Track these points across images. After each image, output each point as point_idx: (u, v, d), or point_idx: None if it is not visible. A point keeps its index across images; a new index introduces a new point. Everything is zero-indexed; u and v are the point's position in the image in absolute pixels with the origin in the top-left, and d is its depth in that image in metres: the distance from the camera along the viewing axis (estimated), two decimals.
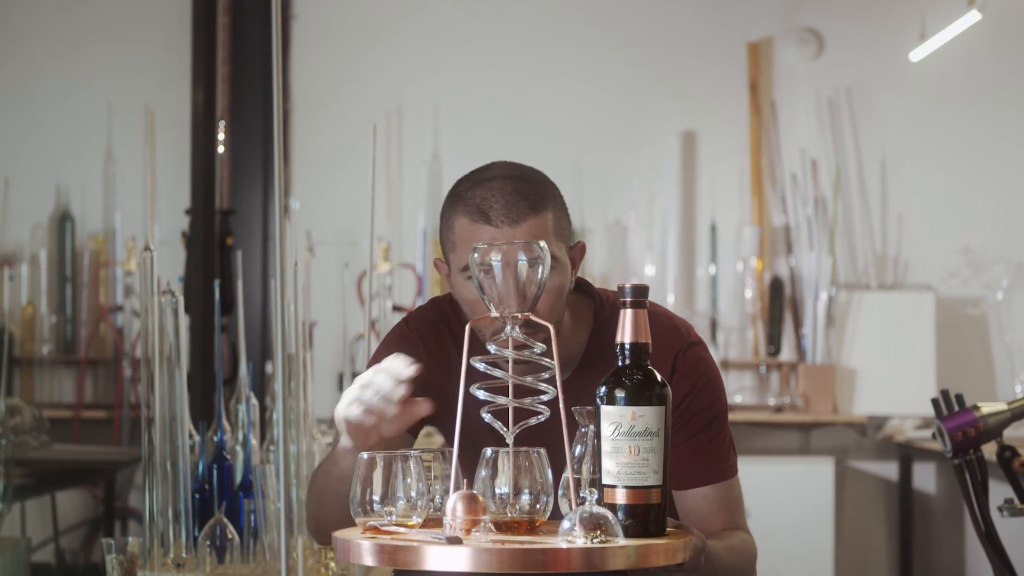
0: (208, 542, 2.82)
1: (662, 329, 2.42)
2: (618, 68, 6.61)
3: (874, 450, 6.53)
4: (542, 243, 2.05)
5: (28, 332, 6.38)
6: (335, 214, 6.46)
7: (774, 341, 6.49)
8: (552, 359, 2.03)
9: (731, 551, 2.37)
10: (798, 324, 6.51)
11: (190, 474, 2.90)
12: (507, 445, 2.01)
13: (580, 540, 1.89)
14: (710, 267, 6.58)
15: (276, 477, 2.86)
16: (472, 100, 6.59)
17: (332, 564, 2.87)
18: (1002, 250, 6.50)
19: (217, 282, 3.43)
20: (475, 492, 1.97)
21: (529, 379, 2.04)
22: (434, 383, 2.36)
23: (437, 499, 2.08)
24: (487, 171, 2.37)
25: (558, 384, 2.02)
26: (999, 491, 2.92)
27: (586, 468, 2.09)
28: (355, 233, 6.41)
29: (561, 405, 2.00)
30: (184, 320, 2.92)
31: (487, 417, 2.05)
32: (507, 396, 2.03)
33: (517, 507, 1.99)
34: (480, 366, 2.04)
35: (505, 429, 2.03)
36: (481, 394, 2.04)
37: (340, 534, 2.01)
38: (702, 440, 2.44)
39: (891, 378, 6.39)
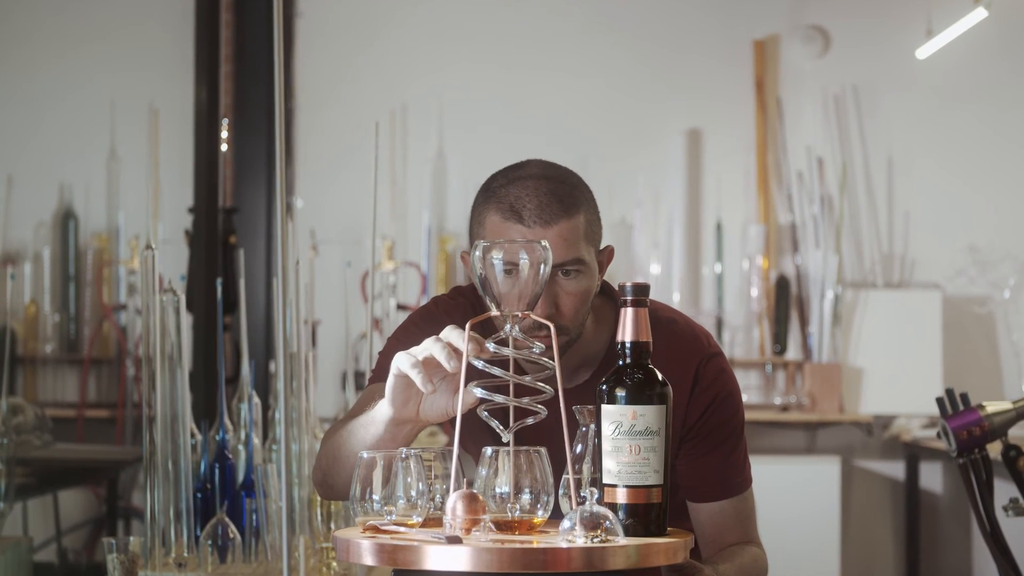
0: (210, 541, 2.82)
1: (683, 338, 2.43)
2: (623, 65, 6.60)
3: (880, 449, 6.51)
4: (544, 243, 2.04)
5: (31, 331, 6.38)
6: (339, 212, 6.45)
7: (780, 340, 6.47)
8: (552, 359, 2.01)
9: (743, 572, 2.37)
10: (804, 323, 6.49)
11: (192, 473, 2.89)
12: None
13: (580, 540, 1.88)
14: (716, 265, 6.56)
15: (278, 476, 2.85)
16: (477, 98, 6.58)
17: (334, 564, 2.87)
18: (1009, 248, 6.49)
19: (219, 280, 3.41)
20: (475, 491, 1.96)
21: (528, 378, 2.03)
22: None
23: (438, 498, 2.07)
24: (522, 169, 2.35)
25: (558, 383, 2.01)
26: (1004, 490, 2.91)
27: (587, 467, 2.08)
28: (359, 231, 6.40)
29: (562, 404, 1.99)
30: (187, 319, 2.91)
31: (484, 415, 2.04)
32: (507, 395, 2.02)
33: (517, 506, 1.98)
34: (479, 364, 2.02)
35: (503, 428, 2.01)
36: (479, 392, 2.03)
37: (340, 534, 2.00)
38: (719, 455, 2.44)
39: (897, 377, 6.38)
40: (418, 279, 6.47)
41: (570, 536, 1.89)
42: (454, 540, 1.88)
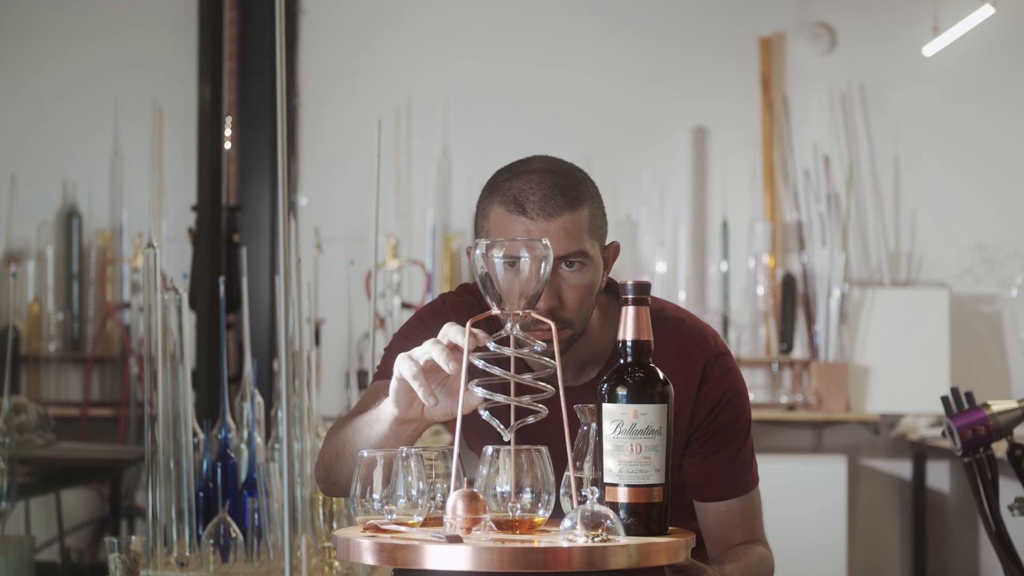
0: (212, 541, 2.81)
1: (690, 336, 2.43)
2: (629, 63, 6.59)
3: (887, 448, 6.50)
4: (545, 241, 2.02)
5: (35, 329, 6.38)
6: (343, 210, 6.44)
7: (786, 338, 6.46)
8: (553, 357, 2.00)
9: (749, 571, 2.36)
10: (811, 321, 6.48)
11: (194, 472, 2.89)
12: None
13: (581, 539, 1.88)
14: (722, 264, 6.55)
15: (280, 476, 2.85)
16: (482, 95, 6.57)
17: (336, 563, 2.86)
18: (1016, 247, 6.47)
19: (223, 279, 3.40)
20: (476, 491, 1.95)
21: (528, 377, 2.02)
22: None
23: (439, 497, 2.06)
24: (527, 163, 2.36)
25: (559, 382, 2.00)
26: (1010, 489, 2.90)
27: (588, 466, 2.07)
28: (364, 229, 6.39)
29: (563, 403, 1.98)
30: (189, 317, 2.90)
31: (485, 415, 2.03)
32: (508, 394, 2.01)
33: (518, 506, 1.97)
34: (479, 363, 2.01)
35: (503, 427, 2.00)
36: (481, 392, 2.02)
37: (340, 533, 1.99)
38: (727, 454, 2.43)
39: (904, 375, 6.36)
40: (422, 277, 6.46)
41: (571, 535, 1.88)
42: (454, 539, 1.88)
